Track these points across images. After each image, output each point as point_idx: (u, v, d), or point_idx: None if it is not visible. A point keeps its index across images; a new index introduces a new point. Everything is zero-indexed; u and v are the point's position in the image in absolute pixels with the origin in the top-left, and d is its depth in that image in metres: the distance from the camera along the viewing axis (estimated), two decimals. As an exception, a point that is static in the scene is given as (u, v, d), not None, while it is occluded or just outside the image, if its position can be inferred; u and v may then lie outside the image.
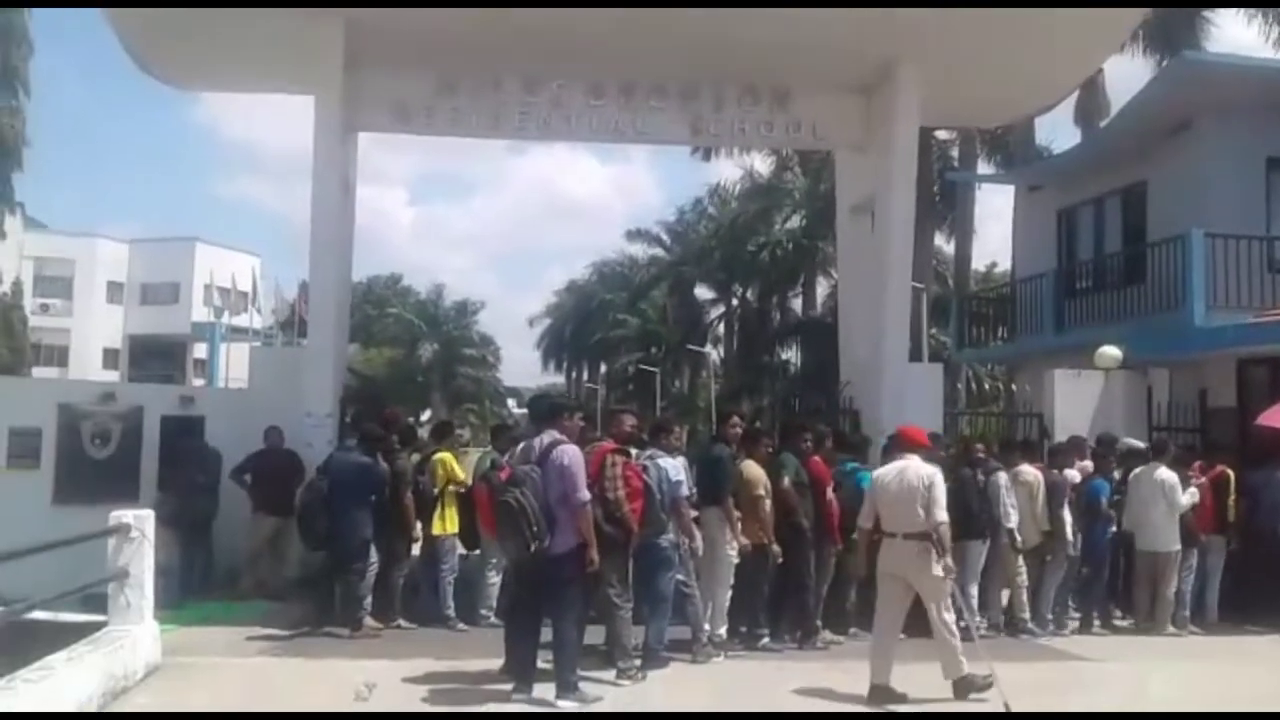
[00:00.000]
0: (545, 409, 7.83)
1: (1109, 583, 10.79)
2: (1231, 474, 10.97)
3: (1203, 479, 10.86)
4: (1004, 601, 10.47)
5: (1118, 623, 10.78)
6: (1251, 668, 8.84)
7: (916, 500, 7.51)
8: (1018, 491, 10.24)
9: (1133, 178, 16.56)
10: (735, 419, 10.08)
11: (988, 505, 10.10)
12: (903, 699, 7.41)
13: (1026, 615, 10.30)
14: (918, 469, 7.68)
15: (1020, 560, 10.27)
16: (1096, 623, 10.62)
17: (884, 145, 13.13)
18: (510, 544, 7.07)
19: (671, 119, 13.44)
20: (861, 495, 9.55)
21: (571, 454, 7.23)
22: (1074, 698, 7.93)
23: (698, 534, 8.66)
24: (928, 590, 7.62)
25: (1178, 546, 10.50)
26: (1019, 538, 10.19)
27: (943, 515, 7.47)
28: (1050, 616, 10.44)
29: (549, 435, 7.35)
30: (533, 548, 6.92)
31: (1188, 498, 10.51)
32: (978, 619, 10.13)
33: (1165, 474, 10.57)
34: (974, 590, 10.16)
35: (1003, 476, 10.23)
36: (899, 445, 8.16)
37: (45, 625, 7.42)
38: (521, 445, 7.57)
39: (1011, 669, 8.68)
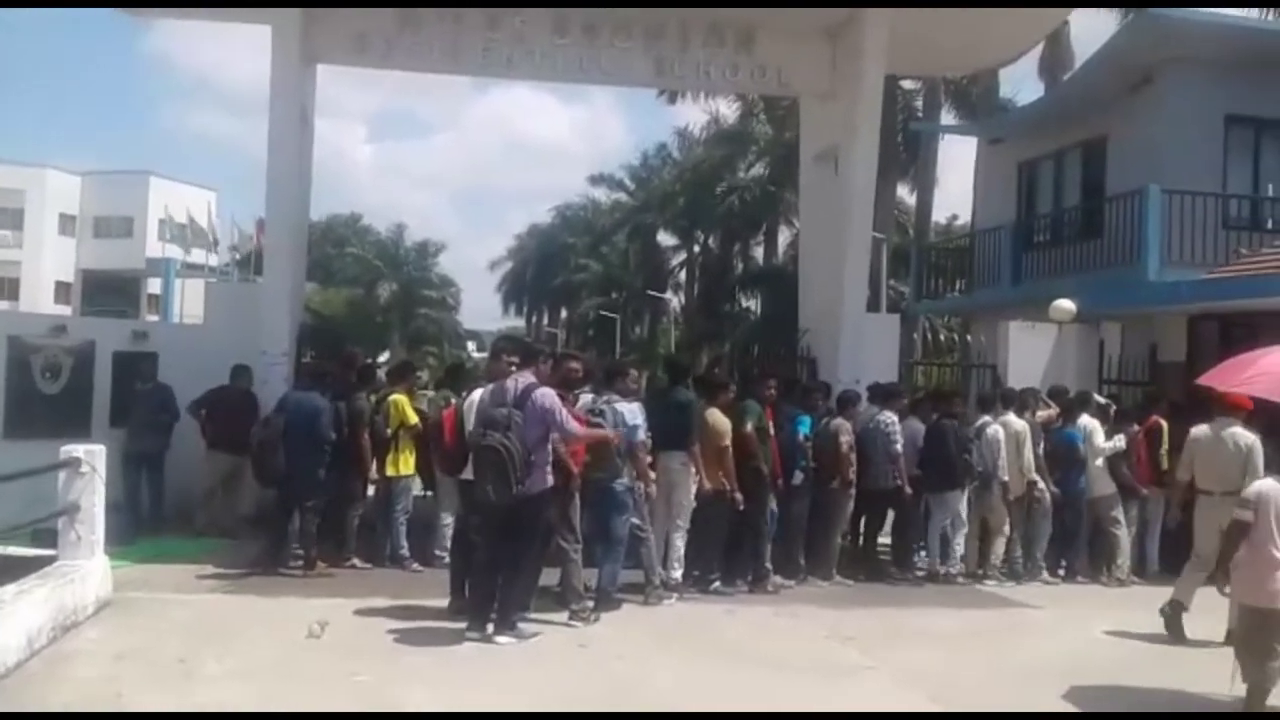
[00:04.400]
0: (522, 351, 7.88)
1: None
2: (1165, 425, 11.11)
3: (1135, 427, 11.06)
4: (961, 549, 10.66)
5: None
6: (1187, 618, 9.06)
7: (1235, 463, 8.18)
8: (1005, 441, 10.42)
9: (1093, 132, 16.65)
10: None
11: (982, 460, 10.34)
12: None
13: (998, 564, 10.53)
14: (1239, 434, 8.30)
15: (1004, 512, 10.48)
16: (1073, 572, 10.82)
17: (849, 92, 13.07)
18: (493, 487, 7.05)
19: (635, 59, 13.26)
20: (797, 442, 9.69)
21: (551, 396, 7.34)
22: (995, 642, 8.13)
23: (653, 477, 8.73)
24: None
25: (1111, 490, 10.75)
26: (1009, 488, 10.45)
27: None
28: (1044, 564, 10.67)
29: (524, 378, 7.37)
30: (515, 490, 6.99)
31: (1110, 443, 10.73)
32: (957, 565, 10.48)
33: (1085, 420, 10.87)
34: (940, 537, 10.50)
35: (1000, 429, 10.41)
36: (1221, 409, 8.49)
37: (-6, 559, 7.37)
38: (492, 387, 7.51)
39: (952, 615, 8.94)
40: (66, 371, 11.61)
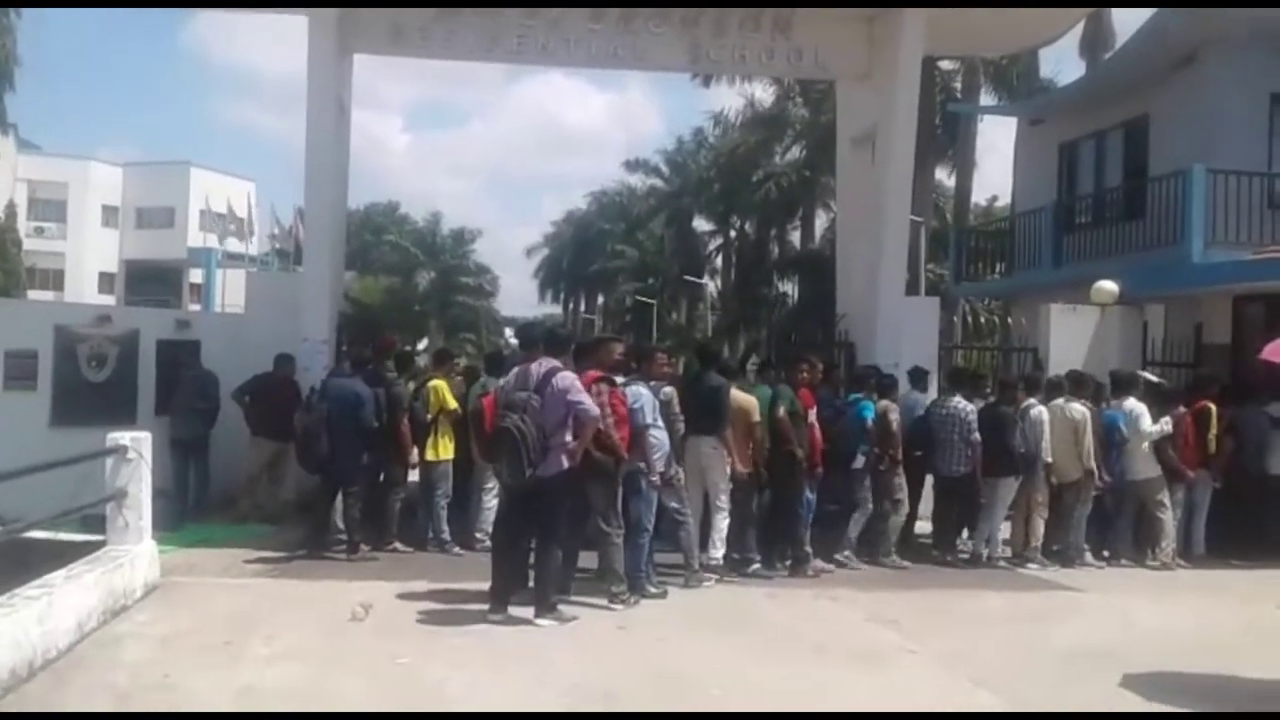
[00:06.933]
0: (548, 338, 7.89)
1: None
2: (1213, 408, 10.98)
3: (1182, 410, 10.92)
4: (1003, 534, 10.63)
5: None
6: (1227, 601, 8.97)
7: None
8: (1063, 426, 10.36)
9: (1135, 112, 16.41)
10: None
11: (1026, 442, 10.27)
12: None
13: (1039, 546, 10.44)
14: None
15: (1046, 494, 10.42)
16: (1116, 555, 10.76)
17: (886, 75, 12.97)
18: (507, 469, 7.18)
19: (671, 44, 13.22)
20: (862, 426, 9.75)
21: (570, 378, 7.36)
22: (1037, 625, 8.08)
23: (661, 465, 8.40)
24: None
25: (1157, 473, 10.64)
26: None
27: None
28: (1086, 547, 10.57)
29: (547, 362, 7.40)
30: (528, 474, 7.04)
31: (1157, 427, 10.61)
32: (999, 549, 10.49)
33: (1131, 404, 10.73)
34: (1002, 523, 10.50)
35: (1044, 412, 10.36)
36: None
37: (44, 544, 7.50)
38: (516, 371, 7.58)
39: (995, 599, 8.91)
40: (112, 360, 11.77)
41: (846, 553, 9.93)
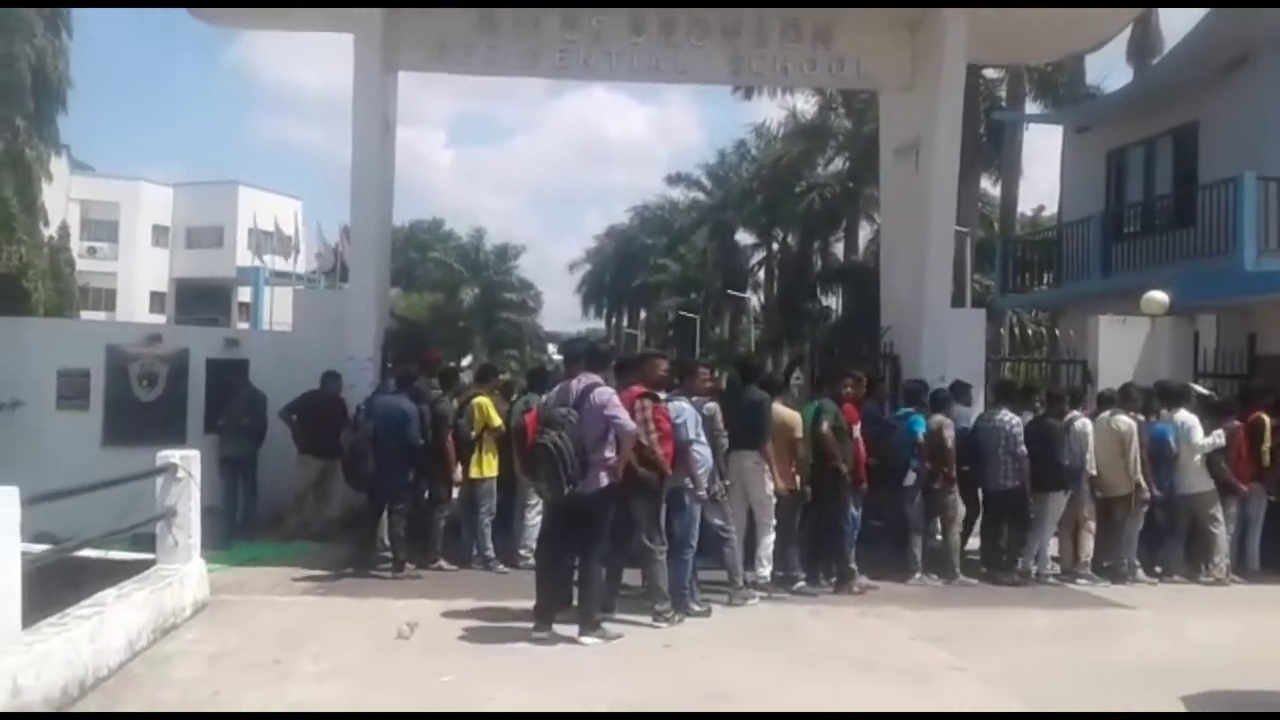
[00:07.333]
0: (589, 353, 7.89)
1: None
2: (1267, 420, 10.75)
3: (1235, 422, 10.70)
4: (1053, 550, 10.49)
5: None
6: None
7: None
8: (1109, 439, 10.20)
9: (1184, 118, 16.17)
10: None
11: (1071, 455, 10.13)
12: None
13: (1088, 562, 10.28)
14: None
15: (1093, 508, 10.28)
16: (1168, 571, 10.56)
17: (929, 84, 12.89)
18: (546, 485, 7.22)
19: (712, 57, 13.25)
20: (913, 441, 9.66)
21: (608, 393, 7.35)
22: (1088, 642, 7.93)
23: (705, 480, 8.30)
24: None
25: (1209, 487, 10.42)
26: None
27: None
28: (1137, 563, 10.40)
29: (587, 378, 7.41)
30: (567, 490, 7.05)
31: (1209, 440, 10.39)
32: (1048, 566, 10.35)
33: (1183, 416, 10.54)
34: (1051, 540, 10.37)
35: (1089, 424, 10.24)
36: None
37: (95, 563, 7.60)
38: (558, 387, 7.61)
39: (1043, 616, 8.78)
40: (162, 379, 11.95)
41: (918, 575, 9.84)
